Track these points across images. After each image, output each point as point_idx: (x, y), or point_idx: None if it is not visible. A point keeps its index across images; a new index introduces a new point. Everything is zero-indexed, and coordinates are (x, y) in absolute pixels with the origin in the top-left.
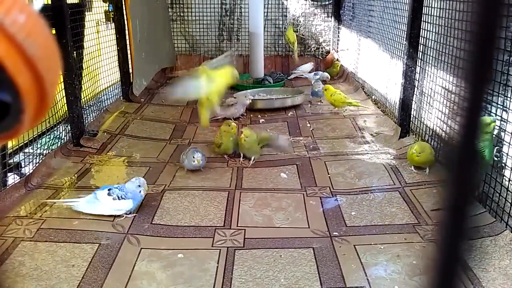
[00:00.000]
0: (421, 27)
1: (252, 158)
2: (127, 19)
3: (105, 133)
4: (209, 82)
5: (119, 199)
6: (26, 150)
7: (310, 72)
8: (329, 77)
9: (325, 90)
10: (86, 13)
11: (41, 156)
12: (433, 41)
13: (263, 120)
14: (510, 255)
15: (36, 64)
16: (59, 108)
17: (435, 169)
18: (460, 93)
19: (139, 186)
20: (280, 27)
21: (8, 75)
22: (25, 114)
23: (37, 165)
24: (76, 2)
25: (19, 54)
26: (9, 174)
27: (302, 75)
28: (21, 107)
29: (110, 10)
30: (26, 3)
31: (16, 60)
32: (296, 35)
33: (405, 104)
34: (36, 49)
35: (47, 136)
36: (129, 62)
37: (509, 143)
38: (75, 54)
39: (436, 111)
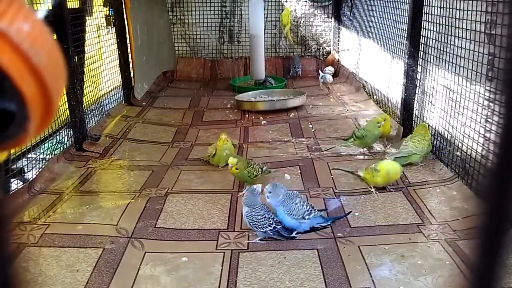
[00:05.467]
0: (422, 26)
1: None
2: (127, 23)
3: (108, 137)
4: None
5: None
6: (29, 156)
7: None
8: (327, 78)
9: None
10: (87, 17)
11: (44, 161)
12: (434, 40)
13: (265, 121)
14: None
15: (41, 72)
16: (61, 113)
17: (431, 165)
18: (500, 109)
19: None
20: (280, 29)
21: (13, 84)
22: (30, 122)
23: (40, 170)
24: (77, 7)
25: (24, 62)
26: (12, 179)
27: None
28: (26, 115)
29: (110, 14)
30: (31, 12)
31: (21, 68)
32: (293, 20)
33: (407, 104)
34: (41, 58)
35: (50, 141)
36: (130, 66)
37: None
38: (76, 59)
39: (438, 110)
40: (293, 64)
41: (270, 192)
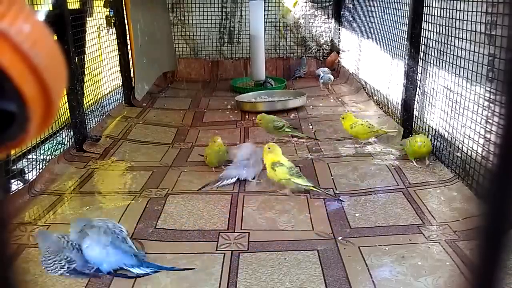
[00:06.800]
0: (422, 27)
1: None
2: (128, 24)
3: (108, 138)
4: None
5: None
6: (29, 156)
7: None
8: (331, 79)
9: (343, 118)
10: (87, 18)
11: (44, 162)
12: (434, 41)
13: None
14: None
15: (42, 73)
16: (62, 113)
17: (431, 165)
18: (500, 110)
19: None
20: (280, 30)
21: (13, 85)
22: (30, 123)
23: (40, 171)
24: (77, 8)
25: (25, 63)
26: (12, 180)
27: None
28: (27, 116)
29: (111, 15)
30: (31, 13)
31: (22, 69)
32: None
33: (407, 105)
34: (41, 58)
35: (50, 142)
36: (131, 67)
37: None
38: (76, 59)
39: (439, 110)
40: (298, 65)
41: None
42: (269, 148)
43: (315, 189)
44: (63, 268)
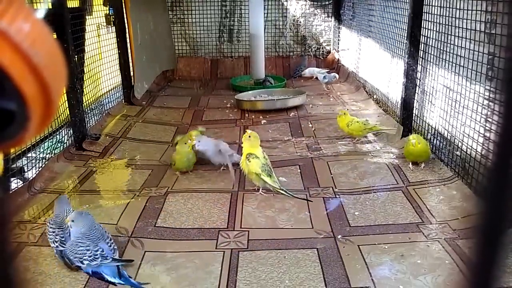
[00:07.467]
0: (422, 26)
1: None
2: (127, 23)
3: (107, 137)
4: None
5: None
6: (29, 155)
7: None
8: (337, 77)
9: (340, 116)
10: (87, 17)
11: (44, 161)
12: (434, 40)
13: (264, 121)
14: None
15: (42, 72)
16: (61, 112)
17: (431, 164)
18: (499, 109)
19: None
20: (280, 28)
21: (13, 84)
22: (30, 121)
23: (40, 169)
24: (77, 6)
25: (25, 62)
26: (12, 179)
27: (313, 76)
28: (27, 115)
29: (110, 13)
30: (31, 11)
31: (22, 68)
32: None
33: (407, 103)
34: (41, 57)
35: (50, 141)
36: (130, 65)
37: None
38: (76, 58)
39: (438, 109)
40: (299, 64)
41: (73, 221)
42: (249, 136)
43: (282, 192)
44: (55, 243)
